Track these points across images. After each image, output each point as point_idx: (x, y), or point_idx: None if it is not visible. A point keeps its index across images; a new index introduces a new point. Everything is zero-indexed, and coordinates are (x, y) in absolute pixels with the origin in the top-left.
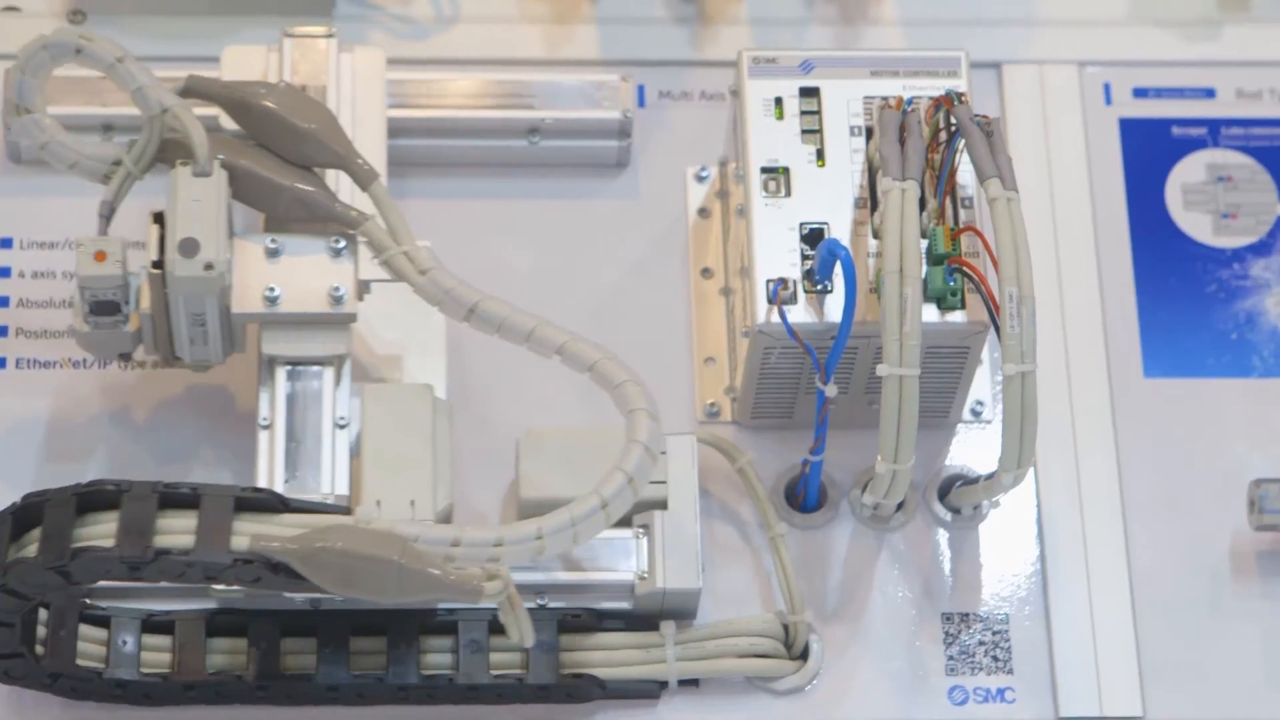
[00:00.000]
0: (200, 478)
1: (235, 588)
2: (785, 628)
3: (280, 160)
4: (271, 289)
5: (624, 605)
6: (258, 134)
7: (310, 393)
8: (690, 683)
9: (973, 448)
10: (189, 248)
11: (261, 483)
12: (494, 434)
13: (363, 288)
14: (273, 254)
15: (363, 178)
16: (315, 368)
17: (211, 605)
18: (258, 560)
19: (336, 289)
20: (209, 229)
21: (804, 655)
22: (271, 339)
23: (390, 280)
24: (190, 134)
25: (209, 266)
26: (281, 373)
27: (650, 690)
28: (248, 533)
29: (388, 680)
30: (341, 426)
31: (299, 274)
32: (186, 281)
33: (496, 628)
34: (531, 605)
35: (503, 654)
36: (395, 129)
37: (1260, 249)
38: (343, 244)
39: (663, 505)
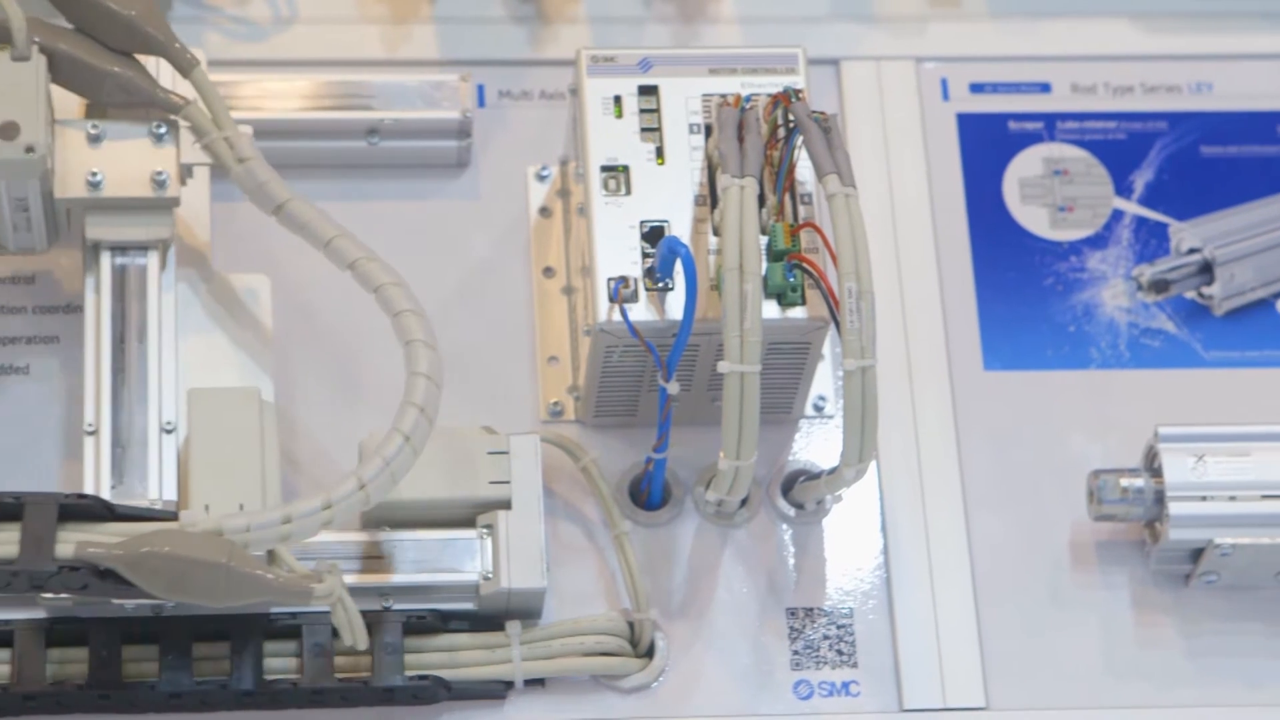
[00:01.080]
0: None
1: (64, 596)
2: (630, 625)
3: (101, 46)
4: (94, 174)
5: (469, 606)
6: (79, 20)
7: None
8: (536, 682)
9: (816, 443)
10: (9, 131)
11: (88, 489)
12: (334, 436)
13: (185, 172)
14: (94, 139)
15: (183, 64)
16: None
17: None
18: (84, 567)
19: (159, 173)
20: (29, 112)
21: (649, 653)
22: (95, 223)
23: (210, 164)
24: (9, 16)
25: (30, 149)
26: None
27: (496, 691)
28: (73, 540)
29: (231, 686)
30: (169, 431)
31: (121, 159)
32: (8, 165)
33: None
34: (376, 608)
35: (347, 657)
36: None
37: (1097, 242)
38: (164, 129)
39: (506, 505)
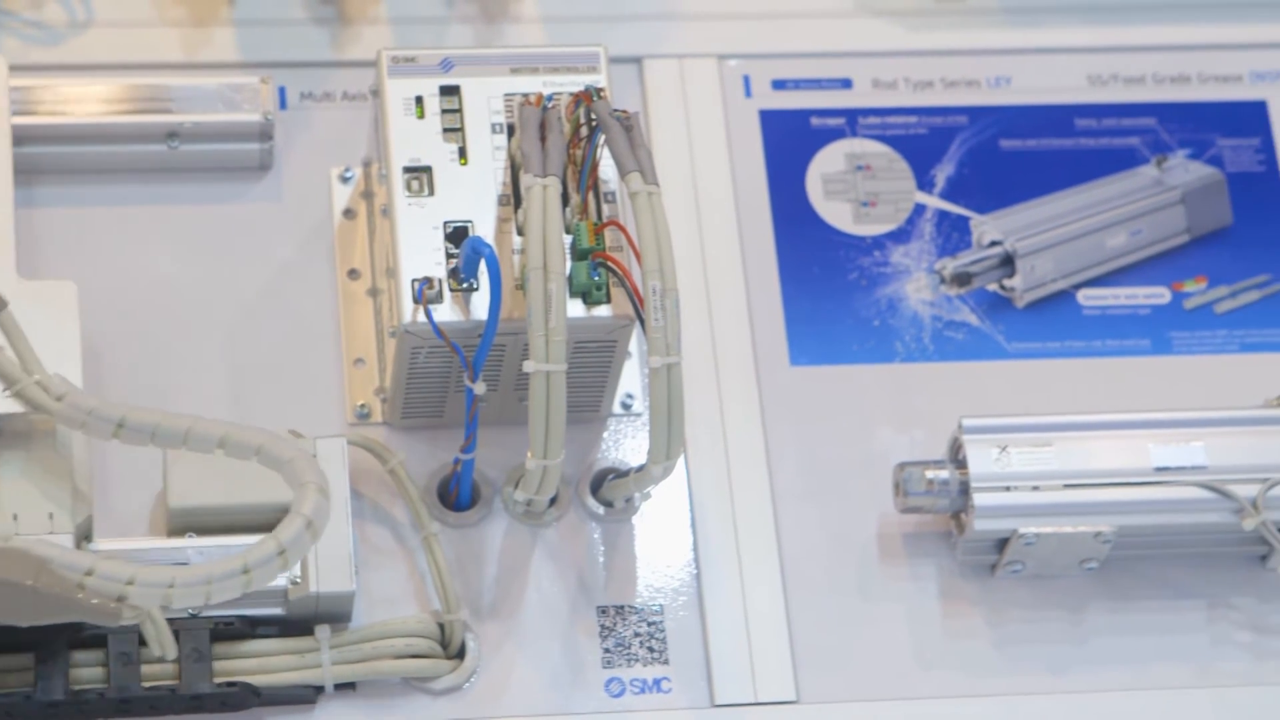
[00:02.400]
0: None
1: None
2: (441, 627)
3: None
4: None
5: (277, 611)
6: None
7: None
8: (347, 686)
9: (624, 440)
10: None
11: None
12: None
13: None
14: None
15: None
16: None
17: None
18: None
19: None
20: None
21: (460, 654)
22: None
23: (28, 411)
24: None
25: None
26: None
27: (306, 695)
28: None
29: (36, 697)
30: None
31: None
32: None
33: None
34: (183, 615)
35: (155, 665)
36: (23, 136)
37: (900, 236)
38: None
39: None
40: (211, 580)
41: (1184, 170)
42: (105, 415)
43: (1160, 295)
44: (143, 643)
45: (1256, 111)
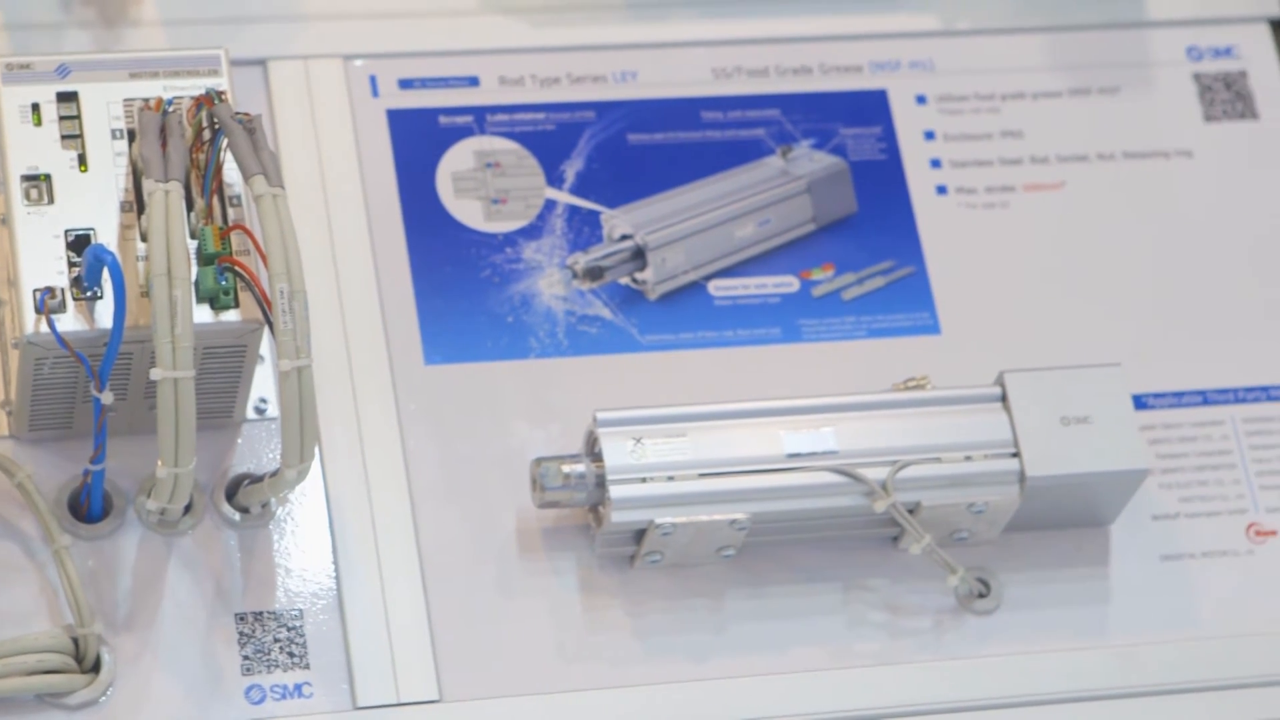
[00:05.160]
0: None
1: None
2: (75, 641)
3: None
4: None
5: None
6: None
7: None
8: None
9: (259, 445)
10: None
11: None
12: None
13: None
14: None
15: None
16: None
17: None
18: None
19: None
20: None
21: (96, 668)
22: None
23: None
24: None
25: None
26: None
27: None
28: None
29: None
30: None
31: None
32: None
33: None
34: None
35: None
36: None
37: (531, 232)
38: None
39: None
40: None
41: (809, 160)
42: None
43: (789, 284)
44: None
45: (877, 101)
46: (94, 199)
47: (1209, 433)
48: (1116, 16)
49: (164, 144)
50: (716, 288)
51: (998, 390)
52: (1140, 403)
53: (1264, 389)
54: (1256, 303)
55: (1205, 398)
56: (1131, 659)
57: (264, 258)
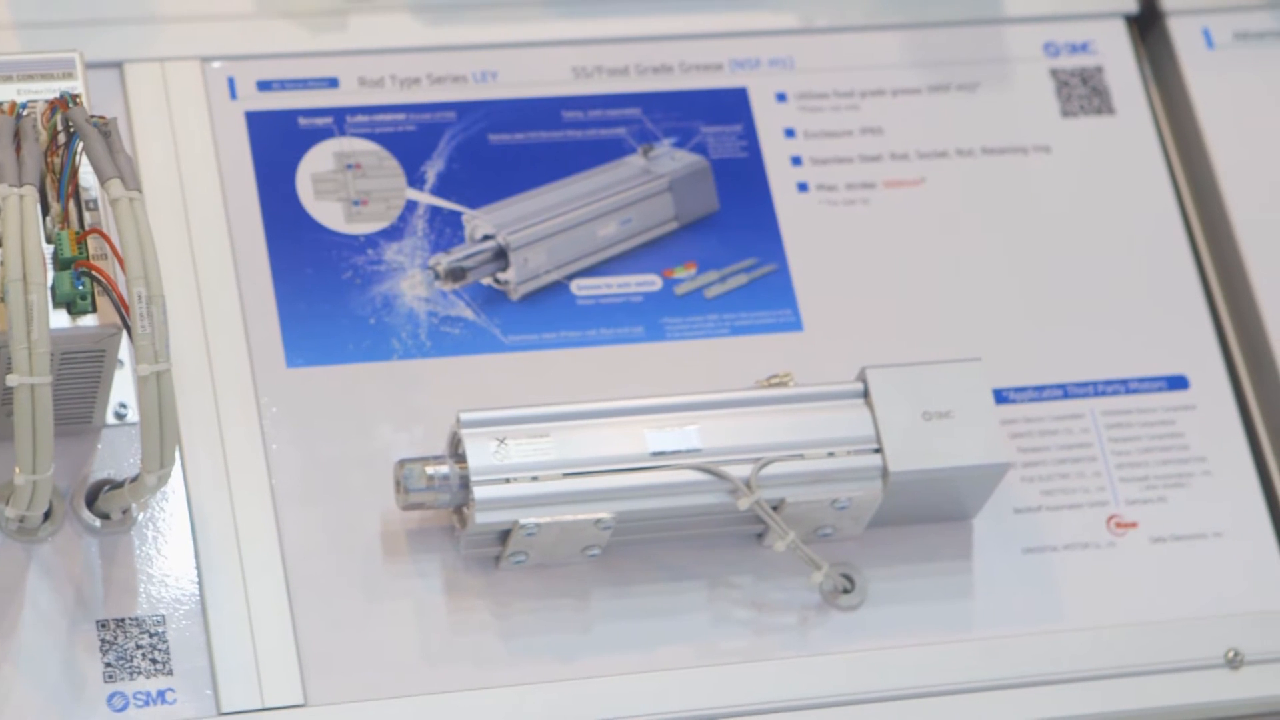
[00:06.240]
0: None
1: None
2: None
3: None
4: None
5: None
6: None
7: None
8: None
9: (120, 451)
10: None
11: None
12: None
13: None
14: None
15: None
16: None
17: None
18: None
19: None
20: None
21: None
22: None
23: None
24: None
25: None
26: None
27: None
28: None
29: None
30: None
31: None
32: None
33: None
34: None
35: None
36: None
37: (392, 233)
38: None
39: None
40: None
41: (670, 159)
42: None
43: (652, 283)
44: None
45: (738, 99)
46: None
47: (1069, 426)
48: (974, 13)
49: (18, 148)
50: (579, 287)
51: (860, 386)
52: (1001, 397)
53: (1123, 382)
54: (1115, 296)
55: (1065, 391)
56: (995, 652)
57: (121, 262)
